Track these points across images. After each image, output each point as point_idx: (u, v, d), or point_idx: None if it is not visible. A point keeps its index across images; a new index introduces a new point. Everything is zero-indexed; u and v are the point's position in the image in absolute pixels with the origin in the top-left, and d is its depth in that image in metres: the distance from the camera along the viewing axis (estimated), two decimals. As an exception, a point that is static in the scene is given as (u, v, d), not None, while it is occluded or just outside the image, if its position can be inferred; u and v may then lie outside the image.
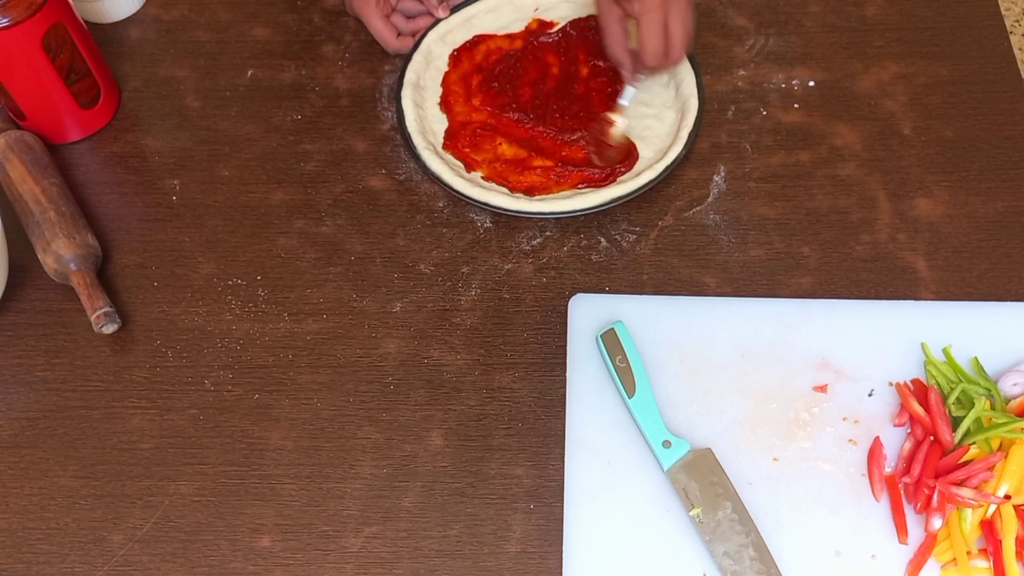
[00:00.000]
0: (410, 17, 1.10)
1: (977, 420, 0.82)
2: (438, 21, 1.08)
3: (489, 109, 1.04)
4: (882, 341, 0.89)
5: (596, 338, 0.89)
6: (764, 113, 1.04)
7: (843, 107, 1.04)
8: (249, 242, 0.99)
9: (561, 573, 0.81)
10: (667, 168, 0.97)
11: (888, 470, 0.83)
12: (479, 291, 0.95)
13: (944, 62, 1.06)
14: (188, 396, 0.91)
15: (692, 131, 0.99)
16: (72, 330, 0.95)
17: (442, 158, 1.00)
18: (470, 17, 1.09)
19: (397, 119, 1.02)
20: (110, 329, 0.92)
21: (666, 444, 0.83)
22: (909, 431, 0.84)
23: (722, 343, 0.89)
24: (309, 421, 0.89)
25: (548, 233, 0.98)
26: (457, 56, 1.07)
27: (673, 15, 0.93)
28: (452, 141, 1.02)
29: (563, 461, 0.86)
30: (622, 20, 0.97)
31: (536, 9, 1.10)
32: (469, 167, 1.00)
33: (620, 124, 1.01)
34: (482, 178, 1.00)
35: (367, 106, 1.07)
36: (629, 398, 0.85)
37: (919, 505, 0.80)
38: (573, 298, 0.93)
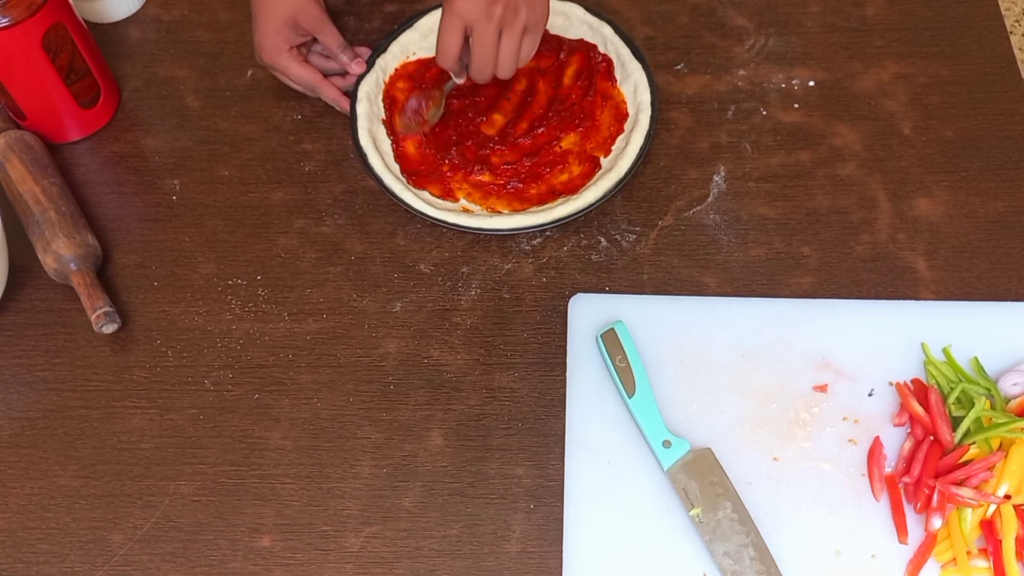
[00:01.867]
0: (328, 63, 1.05)
1: (977, 420, 0.82)
2: (360, 79, 1.03)
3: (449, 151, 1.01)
4: (882, 341, 0.89)
5: (596, 338, 0.89)
6: (764, 113, 1.04)
7: (843, 107, 1.04)
8: (249, 242, 0.99)
9: (561, 573, 0.81)
10: (620, 181, 0.97)
11: (888, 470, 0.83)
12: (479, 291, 0.95)
13: (944, 62, 1.06)
14: (188, 396, 0.91)
15: (644, 143, 0.99)
16: (72, 330, 0.95)
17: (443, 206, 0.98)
18: (385, 67, 1.06)
19: (380, 185, 0.99)
20: (110, 329, 0.92)
21: (666, 444, 0.83)
22: (909, 431, 0.84)
23: (722, 343, 0.89)
24: (309, 421, 0.89)
25: (548, 233, 0.98)
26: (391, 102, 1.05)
27: (483, 32, 0.90)
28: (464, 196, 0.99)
29: (563, 461, 0.86)
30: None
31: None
32: (492, 209, 0.99)
33: (438, 105, 1.01)
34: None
35: (367, 106, 1.07)
36: (629, 398, 0.85)
37: (919, 505, 0.80)
38: (573, 298, 0.93)
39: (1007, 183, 0.98)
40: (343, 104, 1.03)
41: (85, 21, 1.04)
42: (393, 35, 1.06)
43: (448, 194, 0.99)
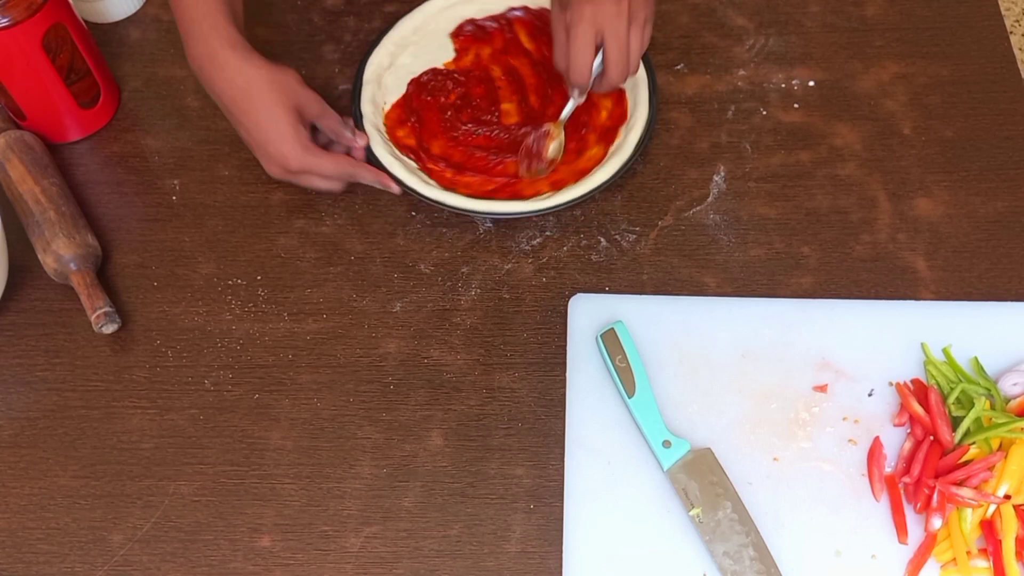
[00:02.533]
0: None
1: (977, 420, 0.82)
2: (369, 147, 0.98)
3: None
4: (882, 341, 0.89)
5: (596, 338, 0.89)
6: (764, 113, 1.04)
7: (843, 107, 1.04)
8: (249, 242, 0.99)
9: (561, 573, 0.81)
10: (623, 166, 0.97)
11: (888, 470, 0.83)
12: (479, 291, 0.95)
13: (944, 62, 1.06)
14: (188, 396, 0.91)
15: (644, 133, 0.99)
16: (72, 330, 0.95)
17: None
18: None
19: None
20: (110, 329, 0.92)
21: (666, 444, 0.83)
22: (909, 431, 0.84)
23: (722, 343, 0.89)
24: (309, 421, 0.89)
25: (548, 233, 0.98)
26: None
27: (617, 32, 0.88)
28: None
29: (563, 461, 0.86)
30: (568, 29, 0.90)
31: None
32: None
33: (557, 139, 0.97)
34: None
35: (367, 106, 1.07)
36: (629, 398, 0.85)
37: (919, 505, 0.80)
38: (573, 298, 0.93)
39: (1007, 183, 0.98)
40: (386, 181, 0.96)
41: (85, 21, 1.04)
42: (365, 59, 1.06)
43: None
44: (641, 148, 0.98)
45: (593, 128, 1.01)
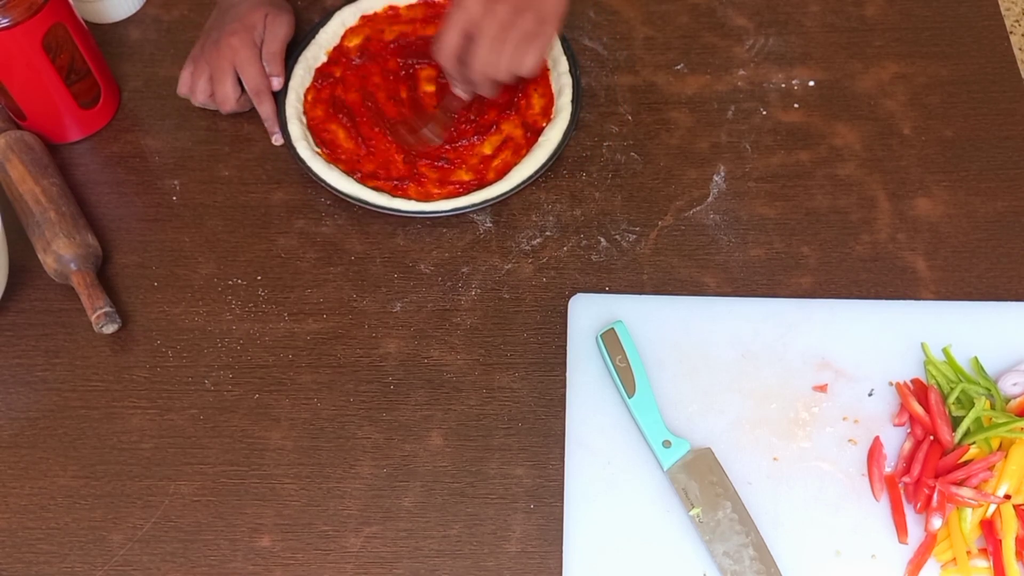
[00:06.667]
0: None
1: (977, 420, 0.82)
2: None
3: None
4: (882, 341, 0.89)
5: (596, 338, 0.89)
6: (764, 113, 1.04)
7: (843, 107, 1.04)
8: (249, 242, 0.99)
9: (561, 573, 0.81)
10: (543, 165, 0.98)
11: (888, 470, 0.83)
12: (479, 291, 0.95)
13: (944, 62, 1.06)
14: (188, 396, 0.91)
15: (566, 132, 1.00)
16: (72, 330, 0.95)
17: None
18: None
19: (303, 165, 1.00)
20: (110, 329, 0.92)
21: (666, 444, 0.84)
22: (909, 431, 0.84)
23: (722, 343, 0.89)
24: (309, 421, 0.89)
25: (548, 233, 0.98)
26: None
27: (487, 31, 0.89)
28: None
29: (563, 461, 0.86)
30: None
31: None
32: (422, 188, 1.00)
33: (438, 128, 1.01)
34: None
35: (367, 106, 1.07)
36: (629, 398, 0.85)
37: (919, 505, 0.80)
38: (573, 298, 0.93)
39: (1007, 183, 0.98)
40: (272, 128, 1.02)
41: (85, 21, 1.04)
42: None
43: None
44: (559, 152, 0.99)
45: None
